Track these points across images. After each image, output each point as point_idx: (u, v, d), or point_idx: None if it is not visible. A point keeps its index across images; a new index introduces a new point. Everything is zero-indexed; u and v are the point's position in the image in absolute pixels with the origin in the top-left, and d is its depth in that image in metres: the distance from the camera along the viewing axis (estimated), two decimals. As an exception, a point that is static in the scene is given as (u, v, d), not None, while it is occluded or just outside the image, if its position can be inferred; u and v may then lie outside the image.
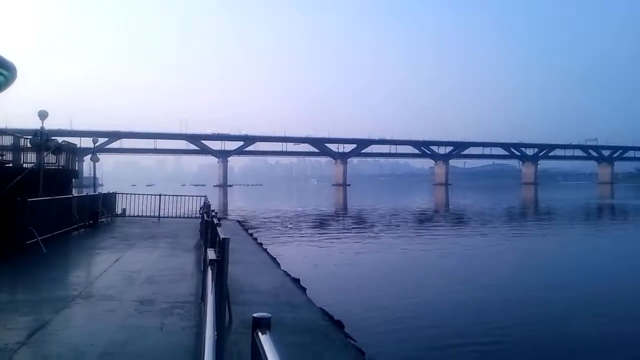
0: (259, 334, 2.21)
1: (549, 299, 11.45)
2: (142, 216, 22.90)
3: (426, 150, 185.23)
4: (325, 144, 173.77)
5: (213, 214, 10.41)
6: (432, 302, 11.23)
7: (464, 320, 9.89)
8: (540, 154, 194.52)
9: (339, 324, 8.13)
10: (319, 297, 9.87)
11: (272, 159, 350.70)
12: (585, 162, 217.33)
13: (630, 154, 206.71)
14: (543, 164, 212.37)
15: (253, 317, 2.27)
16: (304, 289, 10.38)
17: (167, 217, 23.06)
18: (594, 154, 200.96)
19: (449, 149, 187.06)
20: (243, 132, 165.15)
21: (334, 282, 13.54)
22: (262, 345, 2.12)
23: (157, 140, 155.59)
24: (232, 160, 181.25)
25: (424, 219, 37.97)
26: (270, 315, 2.27)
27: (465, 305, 10.94)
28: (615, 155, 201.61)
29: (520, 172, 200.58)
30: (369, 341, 7.95)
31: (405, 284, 13.57)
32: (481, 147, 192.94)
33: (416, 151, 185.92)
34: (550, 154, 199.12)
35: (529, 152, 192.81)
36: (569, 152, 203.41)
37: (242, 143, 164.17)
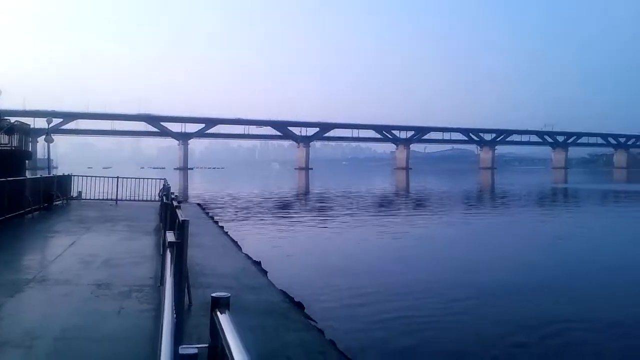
0: (218, 313, 2.22)
1: (478, 270, 11.86)
2: (99, 199, 22.35)
3: (388, 135, 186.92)
4: (288, 128, 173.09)
5: (172, 196, 10.27)
6: (389, 282, 11.43)
7: (419, 297, 10.20)
8: (497, 140, 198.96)
9: (299, 306, 8.20)
10: (280, 279, 9.92)
11: (234, 142, 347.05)
12: (541, 147, 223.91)
13: (584, 140, 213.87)
14: (500, 149, 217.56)
15: (212, 296, 2.27)
16: (265, 272, 10.40)
17: (125, 200, 22.59)
18: (549, 139, 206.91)
19: (410, 133, 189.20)
20: (204, 115, 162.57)
21: (295, 265, 13.62)
22: (220, 324, 2.12)
23: (115, 121, 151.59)
24: (193, 143, 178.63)
25: (384, 203, 38.44)
26: (229, 294, 2.28)
27: (418, 284, 11.23)
28: (569, 141, 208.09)
29: (478, 157, 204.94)
30: (329, 321, 8.06)
31: (364, 265, 13.75)
32: (441, 132, 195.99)
33: (378, 135, 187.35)
34: (507, 139, 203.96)
35: (487, 137, 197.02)
36: (525, 138, 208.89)
37: (203, 125, 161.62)
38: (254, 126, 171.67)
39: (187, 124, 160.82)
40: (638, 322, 8.99)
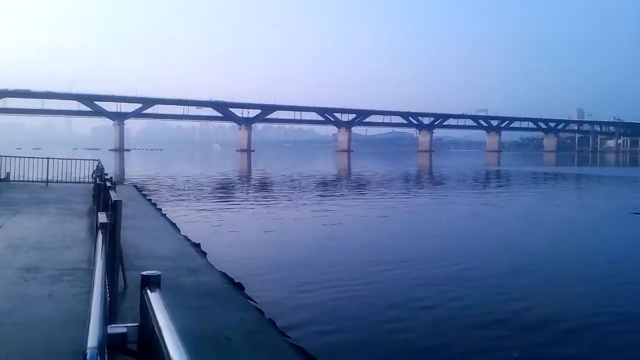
0: (148, 291, 2.17)
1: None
2: (28, 181, 21.30)
3: (330, 118, 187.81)
4: (229, 109, 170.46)
5: (106, 177, 9.94)
6: (327, 262, 11.59)
7: (353, 274, 10.44)
8: (435, 123, 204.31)
9: (239, 286, 8.19)
10: (219, 261, 9.86)
11: (173, 123, 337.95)
12: (476, 131, 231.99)
13: (516, 124, 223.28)
14: (438, 133, 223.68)
15: (142, 275, 2.22)
16: (204, 254, 10.30)
17: (57, 181, 21.64)
18: (484, 123, 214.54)
19: (352, 116, 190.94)
20: (141, 94, 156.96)
21: (235, 246, 13.53)
22: (150, 303, 2.09)
23: (45, 100, 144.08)
24: (130, 124, 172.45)
25: (326, 185, 38.73)
26: (160, 272, 2.24)
27: (353, 263, 11.48)
28: (502, 125, 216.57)
29: (417, 140, 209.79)
30: (269, 301, 8.10)
31: (304, 246, 13.86)
32: (382, 116, 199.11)
33: (320, 118, 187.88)
34: (445, 123, 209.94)
35: (426, 121, 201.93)
36: (461, 122, 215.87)
37: (140, 105, 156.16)
38: (194, 107, 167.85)
39: (122, 104, 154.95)
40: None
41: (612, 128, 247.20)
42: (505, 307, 8.49)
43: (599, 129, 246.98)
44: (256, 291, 8.43)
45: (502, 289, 9.57)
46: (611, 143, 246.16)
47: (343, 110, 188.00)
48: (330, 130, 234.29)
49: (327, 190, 33.66)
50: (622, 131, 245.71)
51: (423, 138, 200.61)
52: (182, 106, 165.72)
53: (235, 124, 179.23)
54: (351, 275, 10.36)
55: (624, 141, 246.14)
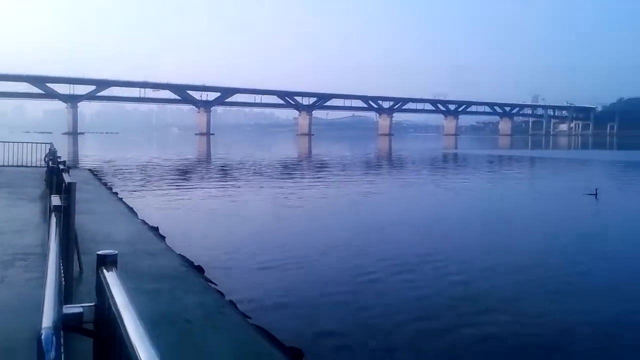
0: (105, 271, 2.16)
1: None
2: (-25, 165, 20.46)
3: (290, 101, 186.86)
4: (188, 92, 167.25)
5: (59, 160, 9.66)
6: (288, 244, 11.67)
7: (311, 253, 10.69)
8: (395, 107, 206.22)
9: (199, 269, 8.15)
10: (178, 244, 9.78)
11: (129, 106, 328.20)
12: (434, 115, 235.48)
13: (473, 108, 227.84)
14: (397, 117, 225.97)
15: (97, 254, 2.20)
16: (162, 237, 10.18)
17: (7, 165, 20.87)
18: (442, 108, 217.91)
19: (313, 100, 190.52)
20: (95, 76, 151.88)
21: (194, 230, 13.42)
22: (107, 282, 2.07)
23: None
24: (83, 106, 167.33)
25: (287, 168, 38.69)
26: (116, 252, 2.22)
27: (309, 245, 11.61)
28: (460, 109, 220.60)
29: (377, 124, 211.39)
30: (229, 283, 8.11)
31: (263, 228, 13.84)
32: (342, 99, 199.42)
33: (281, 101, 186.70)
34: (404, 107, 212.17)
35: (386, 105, 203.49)
36: (420, 106, 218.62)
37: (94, 87, 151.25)
38: (151, 89, 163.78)
39: (76, 86, 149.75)
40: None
41: (564, 112, 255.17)
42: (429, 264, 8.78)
43: (552, 113, 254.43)
44: (216, 274, 8.42)
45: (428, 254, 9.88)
46: (563, 127, 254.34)
47: (304, 94, 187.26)
48: (291, 113, 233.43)
49: (286, 174, 33.64)
50: (574, 115, 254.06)
51: (383, 122, 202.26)
52: (139, 89, 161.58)
53: (194, 107, 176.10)
54: (303, 254, 10.62)
55: (575, 125, 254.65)
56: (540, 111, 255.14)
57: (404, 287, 8.68)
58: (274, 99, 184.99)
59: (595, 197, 20.05)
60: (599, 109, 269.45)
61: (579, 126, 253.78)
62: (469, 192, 23.56)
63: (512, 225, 15.15)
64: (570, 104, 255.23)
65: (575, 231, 14.29)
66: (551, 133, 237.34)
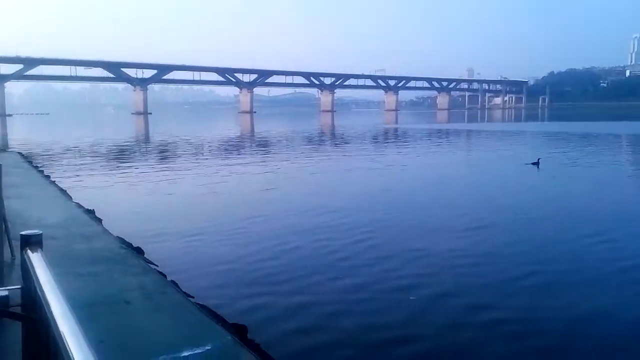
0: (29, 252, 2.08)
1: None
2: None
3: (231, 78, 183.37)
4: (122, 69, 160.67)
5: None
6: (224, 223, 11.60)
7: (249, 231, 10.77)
8: (336, 83, 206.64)
9: (138, 251, 7.99)
10: (116, 226, 9.53)
11: (59, 85, 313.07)
12: (375, 90, 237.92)
13: (412, 83, 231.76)
14: (339, 93, 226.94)
15: (21, 235, 2.12)
16: (99, 220, 9.89)
17: None
18: (382, 83, 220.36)
19: (254, 76, 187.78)
20: (23, 54, 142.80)
21: (132, 212, 13.07)
22: (32, 264, 2.00)
23: None
24: (11, 87, 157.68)
25: (229, 147, 38.19)
26: (40, 232, 2.14)
27: (248, 221, 11.65)
28: (399, 84, 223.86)
29: (319, 100, 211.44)
30: (170, 264, 8.00)
31: (202, 209, 13.64)
32: (284, 76, 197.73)
33: (221, 79, 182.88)
34: (345, 83, 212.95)
35: (327, 81, 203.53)
36: (361, 82, 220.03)
37: (21, 66, 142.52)
38: (83, 67, 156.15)
39: (2, 65, 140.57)
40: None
41: (499, 86, 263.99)
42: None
43: (487, 87, 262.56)
44: (157, 255, 8.28)
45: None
46: (498, 100, 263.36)
47: (244, 71, 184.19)
48: (231, 91, 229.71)
49: (228, 152, 33.23)
50: (507, 89, 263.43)
51: (325, 98, 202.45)
52: (70, 67, 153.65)
53: (129, 85, 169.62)
54: (244, 231, 10.77)
55: (509, 98, 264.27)
56: (475, 86, 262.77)
57: (339, 256, 8.91)
58: (213, 76, 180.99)
59: (537, 167, 21.03)
60: (531, 82, 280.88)
61: (512, 99, 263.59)
62: (408, 166, 24.10)
63: (454, 191, 15.67)
64: (504, 78, 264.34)
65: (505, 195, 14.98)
66: (486, 107, 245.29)
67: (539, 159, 21.75)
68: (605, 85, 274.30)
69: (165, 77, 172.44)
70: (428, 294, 7.29)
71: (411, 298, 7.08)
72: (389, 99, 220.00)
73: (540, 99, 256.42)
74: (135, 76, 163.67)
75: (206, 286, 7.44)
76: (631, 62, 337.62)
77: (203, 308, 5.84)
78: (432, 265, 8.58)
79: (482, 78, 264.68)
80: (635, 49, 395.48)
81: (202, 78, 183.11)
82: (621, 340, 6.03)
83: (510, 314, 6.65)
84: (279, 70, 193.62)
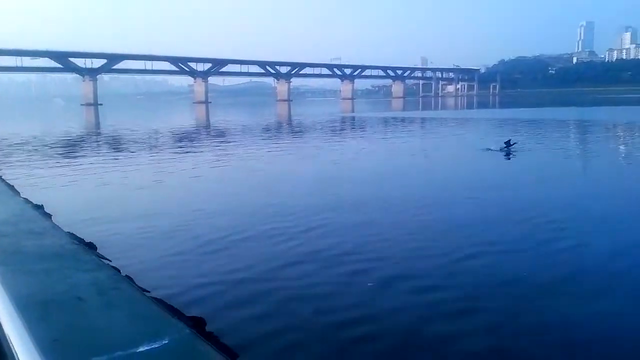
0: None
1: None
2: None
3: (185, 67, 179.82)
4: (70, 59, 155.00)
5: None
6: (176, 214, 11.46)
7: (201, 222, 10.69)
8: (292, 72, 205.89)
9: (90, 246, 7.77)
10: (67, 222, 9.22)
11: (4, 77, 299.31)
12: (331, 79, 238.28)
13: (368, 72, 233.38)
14: (295, 82, 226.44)
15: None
16: (48, 215, 9.53)
17: None
18: (338, 72, 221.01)
19: (208, 66, 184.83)
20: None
21: (83, 206, 12.72)
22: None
23: None
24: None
25: (183, 138, 37.53)
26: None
27: (200, 217, 11.53)
28: (355, 73, 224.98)
29: (275, 89, 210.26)
30: (124, 259, 7.84)
31: (153, 200, 13.41)
32: (239, 65, 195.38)
33: (174, 68, 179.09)
34: (301, 72, 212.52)
35: (283, 70, 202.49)
36: (317, 71, 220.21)
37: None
38: (29, 57, 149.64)
39: None
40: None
41: (451, 74, 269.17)
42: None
43: (440, 75, 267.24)
44: (110, 249, 8.08)
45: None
46: (451, 88, 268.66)
47: (198, 60, 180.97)
48: (185, 80, 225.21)
49: (181, 144, 32.69)
50: (460, 77, 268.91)
51: (281, 87, 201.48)
52: (15, 57, 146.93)
53: (79, 75, 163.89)
54: (194, 222, 10.73)
55: (462, 86, 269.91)
56: (429, 74, 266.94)
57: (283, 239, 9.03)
58: (166, 66, 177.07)
59: (508, 148, 21.61)
60: (483, 70, 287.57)
61: (464, 87, 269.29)
62: (366, 153, 24.33)
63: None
64: (457, 66, 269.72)
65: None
66: (440, 94, 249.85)
67: (510, 141, 22.27)
68: (553, 72, 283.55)
69: (115, 66, 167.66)
70: (379, 277, 7.49)
71: (369, 284, 7.17)
72: (345, 88, 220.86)
73: (491, 86, 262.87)
74: (84, 66, 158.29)
75: (163, 279, 7.33)
76: (578, 49, 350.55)
77: (159, 302, 5.74)
78: (384, 250, 8.81)
79: (436, 66, 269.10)
80: (582, 37, 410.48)
81: (155, 68, 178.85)
82: (562, 314, 6.32)
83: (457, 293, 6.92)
84: (234, 59, 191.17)
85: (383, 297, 6.81)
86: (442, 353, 5.48)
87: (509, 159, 20.79)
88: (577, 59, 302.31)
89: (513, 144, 22.10)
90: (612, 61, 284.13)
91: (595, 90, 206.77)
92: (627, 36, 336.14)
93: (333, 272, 7.73)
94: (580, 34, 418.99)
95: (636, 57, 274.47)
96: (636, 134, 33.56)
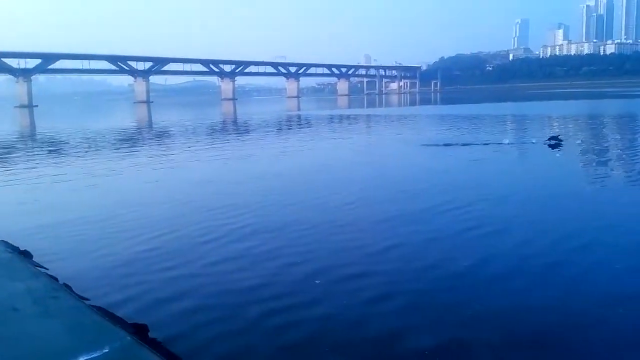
0: None
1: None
2: None
3: (124, 66, 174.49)
4: (2, 59, 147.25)
5: None
6: (113, 217, 11.23)
7: (138, 224, 10.56)
8: (237, 71, 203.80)
9: (25, 254, 7.53)
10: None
11: None
12: (276, 78, 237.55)
13: (313, 70, 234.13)
14: (240, 80, 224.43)
15: None
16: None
17: None
18: (283, 70, 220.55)
19: (149, 64, 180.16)
20: None
21: (14, 213, 12.22)
22: None
23: None
24: None
25: (124, 140, 36.51)
26: None
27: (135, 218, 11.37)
28: (300, 71, 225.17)
29: (219, 88, 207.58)
30: (62, 266, 7.63)
31: (91, 204, 13.00)
32: (181, 63, 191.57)
33: (114, 67, 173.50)
34: (246, 70, 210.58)
35: (227, 68, 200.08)
36: (262, 69, 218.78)
37: None
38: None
39: None
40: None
41: (394, 72, 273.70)
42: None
43: (384, 73, 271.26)
44: (47, 257, 7.85)
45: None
46: (394, 86, 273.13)
47: (138, 58, 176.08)
48: (126, 80, 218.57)
49: (122, 145, 31.83)
50: (402, 74, 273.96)
51: (226, 86, 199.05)
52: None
53: (11, 76, 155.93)
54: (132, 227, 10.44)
55: (404, 83, 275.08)
56: (373, 71, 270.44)
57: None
58: (105, 65, 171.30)
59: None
60: (424, 67, 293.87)
61: (407, 84, 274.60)
62: (309, 151, 24.49)
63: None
64: (399, 63, 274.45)
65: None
66: (384, 92, 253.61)
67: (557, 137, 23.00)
68: (491, 68, 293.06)
69: (51, 66, 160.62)
70: (309, 269, 7.78)
71: (316, 282, 7.27)
72: (291, 86, 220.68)
73: (432, 83, 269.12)
74: (17, 66, 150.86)
75: (102, 286, 7.17)
76: (514, 46, 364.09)
77: (99, 310, 5.64)
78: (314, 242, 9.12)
79: (379, 64, 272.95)
80: (518, 34, 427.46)
81: (93, 67, 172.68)
82: (478, 292, 6.80)
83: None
84: (176, 58, 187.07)
85: (310, 287, 7.07)
86: (363, 332, 5.75)
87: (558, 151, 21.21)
88: (513, 55, 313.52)
89: (560, 140, 22.86)
90: (546, 57, 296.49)
91: (531, 85, 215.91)
92: (560, 33, 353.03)
93: (265, 265, 7.98)
94: (516, 31, 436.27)
95: (569, 53, 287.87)
96: (570, 125, 35.22)
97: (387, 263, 7.94)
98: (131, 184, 16.72)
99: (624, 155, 20.19)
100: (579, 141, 24.84)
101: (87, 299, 6.10)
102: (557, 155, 20.60)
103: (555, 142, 22.82)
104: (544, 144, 22.89)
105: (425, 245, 8.82)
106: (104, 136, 39.04)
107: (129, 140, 35.90)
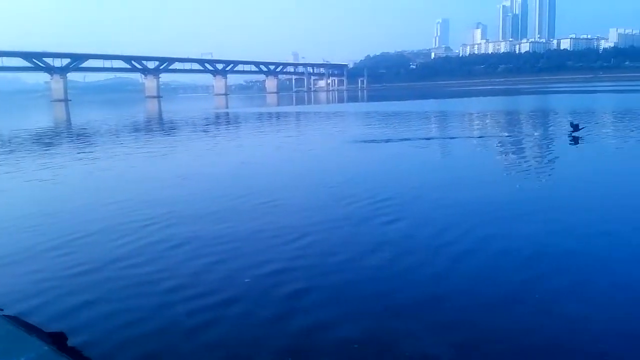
0: None
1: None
2: None
3: (40, 63, 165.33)
4: None
5: None
6: (23, 224, 10.77)
7: (50, 229, 10.18)
8: (161, 68, 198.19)
9: None
10: None
11: None
12: (203, 75, 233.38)
13: (240, 67, 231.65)
14: (165, 77, 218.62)
15: None
16: None
17: None
18: (210, 67, 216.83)
19: (66, 61, 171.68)
20: None
21: None
22: None
23: None
24: None
25: (39, 141, 34.65)
26: None
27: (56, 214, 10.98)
28: (228, 68, 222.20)
29: (143, 85, 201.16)
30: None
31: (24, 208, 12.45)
32: (102, 60, 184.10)
33: (28, 64, 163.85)
34: (171, 67, 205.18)
35: (151, 65, 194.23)
36: (187, 66, 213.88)
37: None
38: None
39: None
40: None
41: (322, 70, 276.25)
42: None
43: (312, 70, 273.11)
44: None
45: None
46: (322, 83, 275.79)
47: (55, 55, 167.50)
48: (41, 77, 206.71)
49: (39, 146, 30.26)
50: (330, 72, 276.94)
51: (150, 83, 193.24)
52: None
53: None
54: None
55: (332, 81, 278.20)
56: (301, 69, 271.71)
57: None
58: (19, 62, 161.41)
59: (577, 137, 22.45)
60: (351, 65, 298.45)
61: (335, 82, 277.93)
62: (238, 150, 24.37)
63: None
64: (327, 61, 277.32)
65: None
66: (312, 89, 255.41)
67: (578, 126, 22.96)
68: (414, 67, 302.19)
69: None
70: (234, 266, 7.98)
71: (246, 280, 7.31)
72: (218, 83, 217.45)
73: (359, 80, 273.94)
74: None
75: (18, 295, 6.86)
76: (435, 45, 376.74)
77: (14, 320, 5.43)
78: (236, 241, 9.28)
79: (307, 62, 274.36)
80: (439, 33, 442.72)
81: (6, 64, 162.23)
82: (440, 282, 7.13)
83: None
84: (95, 54, 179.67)
85: (237, 283, 7.23)
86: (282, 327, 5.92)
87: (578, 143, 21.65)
88: (435, 54, 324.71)
89: (581, 129, 23.06)
90: (466, 56, 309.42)
91: (452, 83, 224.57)
92: (478, 32, 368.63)
93: (191, 264, 8.03)
94: (437, 30, 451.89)
95: (487, 52, 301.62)
96: (487, 121, 37.03)
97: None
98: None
99: (534, 146, 21.62)
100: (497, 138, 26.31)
101: (0, 309, 5.85)
102: (478, 149, 21.76)
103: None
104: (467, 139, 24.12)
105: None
106: (27, 136, 36.86)
107: (43, 142, 34.13)
